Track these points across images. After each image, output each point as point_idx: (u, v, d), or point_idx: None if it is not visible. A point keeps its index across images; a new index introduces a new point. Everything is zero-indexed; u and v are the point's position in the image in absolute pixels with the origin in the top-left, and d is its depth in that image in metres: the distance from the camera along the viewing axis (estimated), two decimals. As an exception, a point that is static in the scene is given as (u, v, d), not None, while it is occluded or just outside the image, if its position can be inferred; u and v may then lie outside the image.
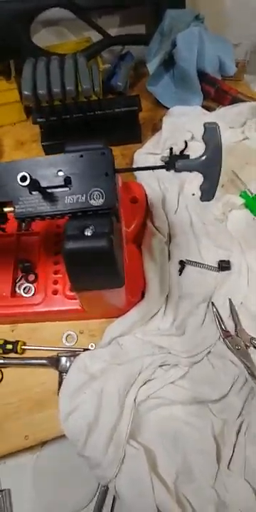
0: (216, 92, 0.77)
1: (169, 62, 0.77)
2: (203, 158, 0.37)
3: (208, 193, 0.39)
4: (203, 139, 0.37)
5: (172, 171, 0.72)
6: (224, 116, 0.74)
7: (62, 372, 0.51)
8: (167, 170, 0.72)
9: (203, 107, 0.80)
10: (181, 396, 0.52)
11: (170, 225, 0.64)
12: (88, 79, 0.58)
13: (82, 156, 0.37)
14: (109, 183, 0.37)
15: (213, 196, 0.39)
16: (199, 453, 0.50)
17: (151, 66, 0.72)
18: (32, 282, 0.59)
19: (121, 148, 0.77)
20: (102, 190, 0.37)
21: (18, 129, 0.79)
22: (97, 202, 0.36)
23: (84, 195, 0.37)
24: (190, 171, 0.38)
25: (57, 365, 0.52)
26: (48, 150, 0.74)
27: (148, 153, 0.73)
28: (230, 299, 0.59)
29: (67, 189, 0.37)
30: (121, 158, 0.76)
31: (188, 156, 0.72)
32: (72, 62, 0.59)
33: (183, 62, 0.72)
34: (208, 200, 0.40)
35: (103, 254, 0.35)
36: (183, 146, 0.73)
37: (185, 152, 0.73)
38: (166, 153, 0.73)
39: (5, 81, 0.71)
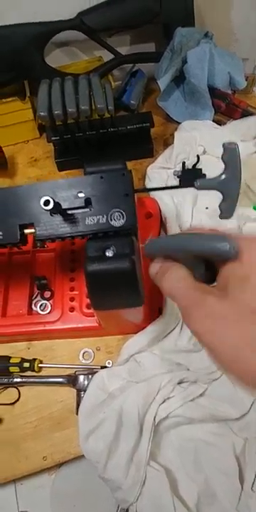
0: (227, 106, 0.77)
1: (179, 78, 0.78)
2: (223, 177, 0.37)
3: (227, 211, 0.39)
4: (222, 159, 0.37)
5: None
6: (235, 129, 0.75)
7: (79, 390, 0.51)
8: (181, 187, 0.72)
9: (214, 121, 0.80)
10: (201, 414, 0.52)
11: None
12: (102, 98, 0.59)
13: (102, 177, 0.38)
14: (129, 204, 0.37)
15: (232, 214, 0.39)
16: (221, 473, 0.48)
17: (163, 82, 0.73)
18: (48, 299, 0.59)
19: (133, 163, 0.78)
20: (122, 211, 0.37)
21: (32, 146, 0.80)
22: (118, 223, 0.36)
23: (105, 216, 0.37)
24: (210, 189, 0.38)
25: (74, 384, 0.52)
26: (62, 166, 0.75)
27: (161, 167, 0.73)
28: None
29: (87, 210, 0.37)
30: (134, 173, 0.75)
31: (200, 170, 0.72)
32: (86, 81, 0.60)
33: (195, 78, 0.72)
34: (227, 218, 0.40)
35: (125, 276, 0.35)
36: (195, 160, 0.74)
37: (198, 166, 0.73)
38: (179, 167, 0.73)
39: (20, 101, 0.72)
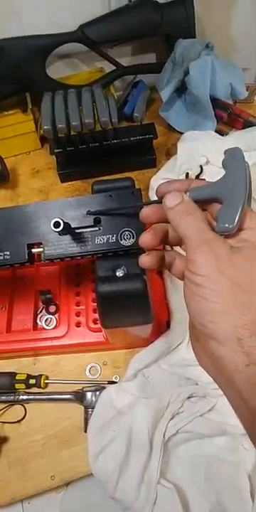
0: (229, 116, 0.78)
1: (181, 89, 0.78)
2: (223, 181, 0.34)
3: (227, 218, 0.34)
4: (222, 164, 0.34)
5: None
6: (238, 139, 0.75)
7: (87, 407, 0.50)
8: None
9: (217, 131, 0.80)
10: (211, 429, 0.51)
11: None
12: (106, 111, 0.59)
13: (111, 195, 0.37)
14: (139, 222, 0.36)
15: (234, 222, 0.35)
16: (232, 489, 0.48)
17: (165, 93, 0.73)
18: (53, 314, 0.59)
19: (136, 173, 0.77)
20: (132, 230, 0.36)
21: (33, 157, 0.80)
22: (128, 242, 0.36)
23: (115, 236, 0.36)
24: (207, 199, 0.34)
25: (82, 400, 0.51)
26: (64, 177, 0.75)
27: (164, 178, 0.73)
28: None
29: (97, 229, 0.37)
30: (137, 184, 0.76)
31: (203, 181, 0.72)
32: (89, 94, 0.60)
33: (197, 89, 0.72)
34: (227, 231, 0.36)
35: (137, 296, 0.34)
36: (198, 171, 0.74)
37: (201, 176, 0.73)
38: (182, 178, 0.73)
39: (21, 113, 0.72)
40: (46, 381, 0.55)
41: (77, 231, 0.37)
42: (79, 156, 0.71)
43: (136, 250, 0.37)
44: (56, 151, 0.66)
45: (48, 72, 0.75)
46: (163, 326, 0.55)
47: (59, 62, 0.77)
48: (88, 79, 0.78)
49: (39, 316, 0.59)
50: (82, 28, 0.67)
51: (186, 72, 0.73)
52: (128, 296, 0.34)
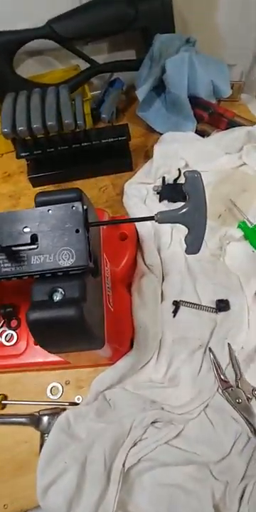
0: (210, 116, 0.73)
1: (160, 87, 0.74)
2: (185, 209, 0.33)
3: (193, 246, 0.34)
4: (183, 188, 0.33)
5: (165, 201, 0.69)
6: (219, 141, 0.70)
7: (44, 433, 0.47)
8: (160, 201, 0.68)
9: (199, 131, 0.76)
10: (177, 458, 0.47)
11: (163, 262, 0.60)
12: (70, 112, 0.55)
13: (49, 210, 0.34)
14: (80, 241, 0.33)
15: (199, 249, 0.35)
16: (197, 525, 0.44)
17: (141, 93, 0.69)
18: (15, 329, 0.55)
19: (112, 177, 0.73)
20: (72, 249, 0.33)
21: (5, 160, 0.76)
22: (67, 262, 0.32)
23: (53, 255, 0.33)
24: (172, 223, 0.34)
25: (38, 425, 0.48)
26: (36, 182, 0.71)
27: (140, 182, 0.69)
28: (229, 344, 0.54)
29: (34, 247, 0.33)
30: (112, 189, 0.72)
31: (181, 186, 0.68)
32: (54, 95, 0.56)
33: (174, 88, 0.68)
34: (194, 253, 0.35)
35: (73, 324, 0.31)
36: (176, 175, 0.70)
37: (179, 181, 0.69)
38: (159, 182, 0.69)
39: (-11, 114, 0.68)
40: (4, 402, 0.52)
41: (13, 249, 0.33)
42: (50, 159, 0.67)
43: (76, 271, 0.33)
44: (22, 154, 0.62)
45: (20, 71, 0.72)
46: (127, 346, 0.51)
47: (30, 60, 0.73)
48: (63, 77, 0.74)
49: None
50: (50, 23, 0.63)
51: (164, 70, 0.69)
52: (62, 324, 0.30)
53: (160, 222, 0.34)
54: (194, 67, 0.69)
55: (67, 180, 0.71)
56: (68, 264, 0.32)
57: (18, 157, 0.63)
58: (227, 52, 0.85)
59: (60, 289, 0.32)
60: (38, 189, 0.73)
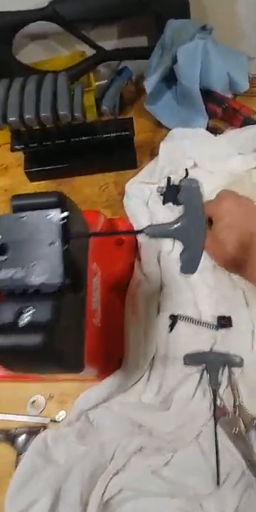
0: (224, 112, 0.67)
1: (171, 78, 0.68)
2: (178, 224, 0.28)
3: (188, 265, 0.30)
4: (179, 198, 0.28)
5: (170, 204, 0.63)
6: (233, 140, 0.64)
7: (19, 452, 0.43)
8: (163, 203, 0.63)
9: (211, 128, 0.70)
10: (164, 488, 0.43)
11: (162, 271, 0.55)
12: (67, 103, 0.50)
13: (24, 217, 0.29)
14: (55, 255, 0.28)
15: (196, 269, 0.30)
16: None
17: (149, 84, 0.64)
18: None
19: (115, 174, 0.69)
20: (45, 264, 0.28)
21: (3, 152, 0.72)
22: (39, 279, 0.28)
23: (24, 269, 0.29)
24: (165, 238, 0.29)
25: (13, 443, 0.44)
26: (32, 177, 0.67)
27: (143, 182, 0.64)
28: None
29: (3, 259, 0.29)
30: (114, 187, 0.67)
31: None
32: (51, 83, 0.52)
33: (185, 79, 0.62)
34: (190, 273, 0.30)
35: (40, 352, 0.26)
36: (183, 175, 0.64)
37: (186, 182, 0.64)
38: (164, 182, 0.64)
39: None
40: (-18, 412, 0.49)
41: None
42: (47, 153, 0.62)
43: (50, 290, 0.28)
44: (16, 147, 0.58)
45: (21, 56, 0.67)
46: (115, 364, 0.47)
47: (32, 45, 0.68)
48: (67, 64, 0.69)
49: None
50: (53, 4, 0.58)
51: (175, 59, 0.63)
52: (28, 352, 0.26)
53: (150, 236, 0.29)
54: (209, 57, 0.63)
55: (66, 175, 0.67)
56: (40, 282, 0.28)
57: (13, 150, 0.59)
58: (247, 44, 0.78)
59: (30, 310, 0.28)
60: (36, 184, 0.69)
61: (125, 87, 0.73)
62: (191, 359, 0.49)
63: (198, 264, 0.30)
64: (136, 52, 0.69)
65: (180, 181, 0.63)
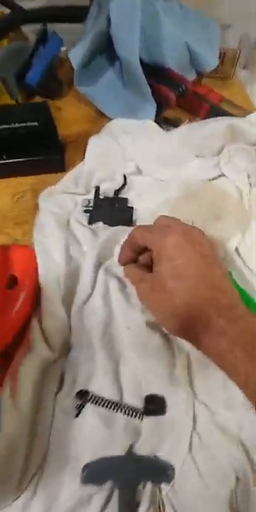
0: (179, 97, 0.49)
1: (113, 48, 0.50)
2: None
3: None
4: None
5: (100, 224, 0.47)
6: (189, 137, 0.47)
7: None
8: (89, 223, 0.46)
9: (165, 120, 0.52)
10: None
11: (72, 325, 0.39)
12: None
13: None
14: None
15: None
16: None
17: (74, 56, 0.46)
18: None
19: (34, 179, 0.51)
20: None
21: None
22: None
23: None
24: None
25: None
26: None
27: (66, 192, 0.47)
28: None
29: None
30: (30, 197, 0.50)
31: (126, 200, 0.45)
32: None
33: (123, 48, 0.45)
34: None
35: None
36: (120, 183, 0.47)
37: (123, 193, 0.47)
38: (91, 194, 0.47)
39: None
40: None
41: None
42: None
43: None
44: None
45: None
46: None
47: None
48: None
49: None
50: None
51: (109, 20, 0.45)
52: None
53: None
54: (158, 20, 0.45)
55: None
56: None
57: None
58: (224, 9, 0.60)
59: None
60: None
61: (57, 62, 0.55)
62: (93, 474, 0.32)
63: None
64: (64, 13, 0.51)
65: (116, 192, 0.47)
